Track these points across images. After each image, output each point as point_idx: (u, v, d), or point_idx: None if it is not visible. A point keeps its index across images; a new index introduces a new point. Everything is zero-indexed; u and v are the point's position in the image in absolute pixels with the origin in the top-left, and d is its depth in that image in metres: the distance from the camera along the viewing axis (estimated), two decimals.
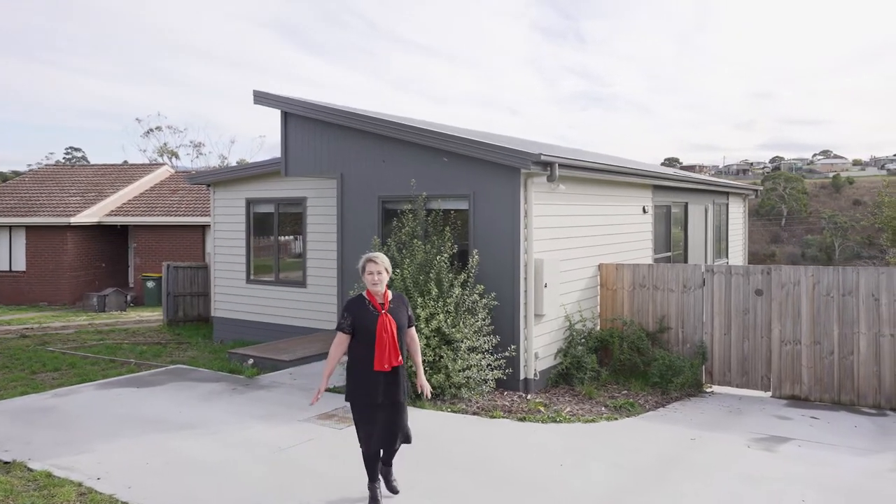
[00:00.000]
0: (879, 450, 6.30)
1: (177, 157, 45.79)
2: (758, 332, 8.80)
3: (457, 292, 7.81)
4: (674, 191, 12.80)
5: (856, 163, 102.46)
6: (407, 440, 4.87)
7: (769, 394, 8.71)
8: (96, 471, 5.62)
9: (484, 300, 7.97)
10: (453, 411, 7.46)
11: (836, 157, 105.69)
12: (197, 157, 47.06)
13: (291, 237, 12.40)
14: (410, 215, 8.54)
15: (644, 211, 11.54)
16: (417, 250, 7.98)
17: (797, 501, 4.87)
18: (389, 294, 4.77)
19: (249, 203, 12.70)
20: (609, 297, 9.91)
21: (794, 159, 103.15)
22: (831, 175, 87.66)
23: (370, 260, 4.73)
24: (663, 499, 5.00)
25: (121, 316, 17.88)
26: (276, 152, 13.18)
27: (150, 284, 19.73)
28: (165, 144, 45.71)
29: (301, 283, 12.06)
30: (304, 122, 10.20)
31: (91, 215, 21.50)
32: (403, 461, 5.87)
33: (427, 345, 7.54)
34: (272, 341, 11.24)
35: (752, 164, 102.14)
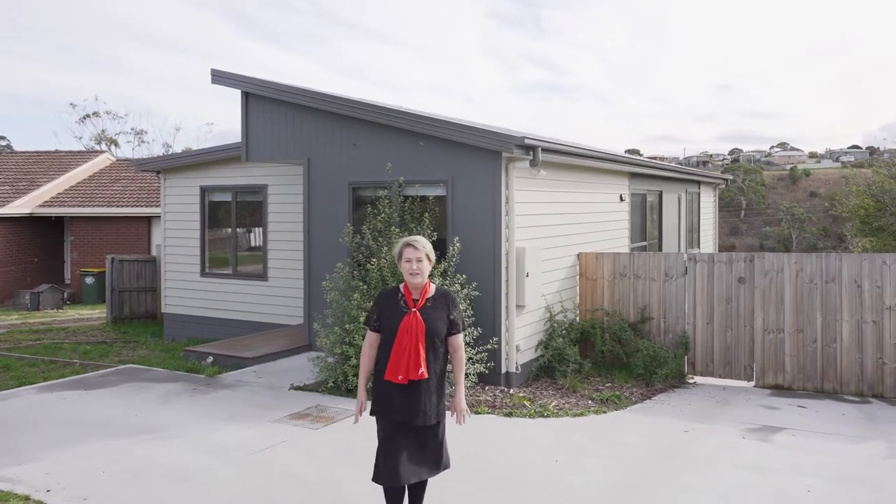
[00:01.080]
0: (870, 437, 6.45)
1: (116, 144, 44.19)
2: (741, 321, 8.93)
3: (436, 282, 7.65)
4: (649, 179, 12.93)
5: (812, 155, 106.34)
6: (438, 467, 3.99)
7: (752, 383, 8.85)
8: (45, 482, 5.25)
9: (465, 290, 7.85)
10: None
11: (793, 149, 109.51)
12: (139, 144, 45.55)
13: (250, 228, 12.05)
14: (386, 201, 8.35)
15: (621, 199, 11.60)
16: (395, 238, 7.80)
17: (803, 491, 4.92)
18: (431, 289, 3.98)
19: (204, 191, 12.29)
20: (589, 287, 9.92)
21: (752, 151, 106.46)
22: (788, 167, 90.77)
23: (408, 244, 3.94)
24: (670, 492, 4.98)
25: (57, 314, 17.10)
26: (226, 140, 12.76)
27: (89, 280, 18.96)
28: (104, 131, 44.04)
29: (262, 276, 11.74)
30: (267, 103, 9.87)
31: (22, 206, 20.51)
32: None
33: None
34: (232, 338, 10.89)
35: (711, 155, 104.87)
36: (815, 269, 8.56)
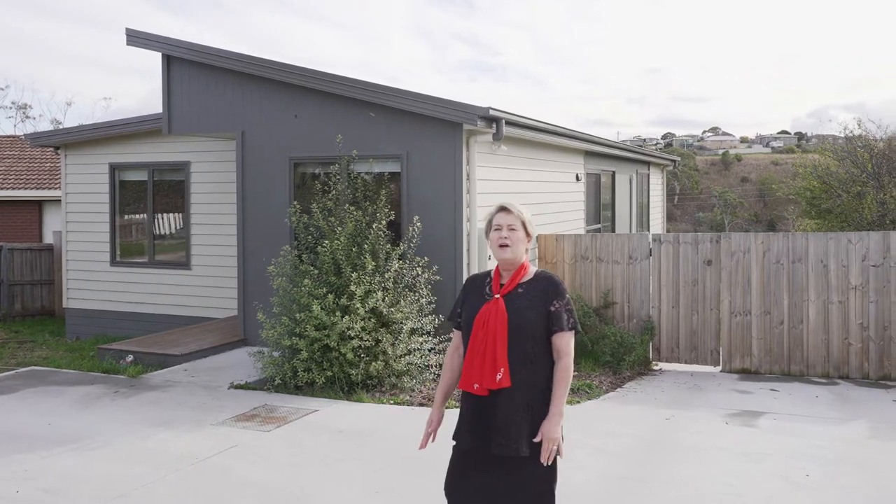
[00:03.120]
0: (849, 418, 6.74)
1: None
2: (707, 304, 9.18)
3: (395, 266, 7.47)
4: (603, 158, 13.12)
5: (743, 140, 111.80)
6: None
7: (718, 369, 9.12)
8: None
9: (426, 275, 7.70)
10: (396, 403, 7.15)
11: (724, 134, 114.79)
12: (22, 121, 42.78)
13: (171, 210, 11.51)
14: (338, 178, 8.08)
15: (577, 179, 11.72)
16: (349, 218, 7.55)
17: (801, 476, 5.05)
18: (529, 271, 3.15)
19: (115, 169, 11.64)
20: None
21: (685, 136, 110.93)
22: (720, 152, 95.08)
23: (501, 208, 3.19)
24: (673, 484, 5.01)
25: None
26: (125, 116, 12.09)
27: None
28: None
29: (184, 265, 11.24)
30: (193, 68, 9.38)
31: None
32: (363, 463, 5.53)
33: (363, 328, 7.16)
34: (152, 334, 10.36)
35: (645, 140, 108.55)
36: (781, 248, 8.87)
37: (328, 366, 7.27)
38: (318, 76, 8.46)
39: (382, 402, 7.17)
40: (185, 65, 9.42)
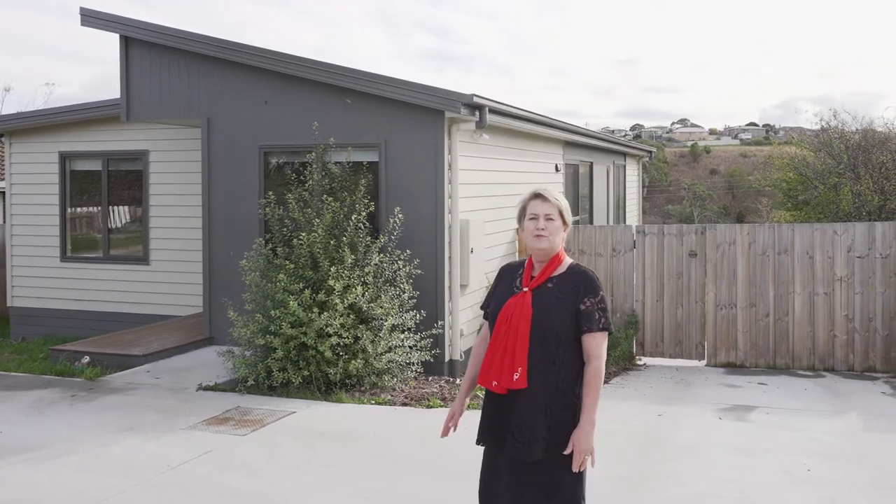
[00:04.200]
0: (841, 411, 6.92)
1: None
2: (692, 297, 9.32)
3: (375, 259, 7.41)
4: (582, 149, 13.22)
5: (712, 132, 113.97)
6: None
7: (703, 363, 9.28)
8: None
9: (407, 268, 7.65)
10: (378, 403, 7.10)
11: (693, 125, 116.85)
12: None
13: (127, 202, 11.26)
14: (315, 167, 7.98)
15: (556, 169, 11.79)
16: (326, 209, 7.46)
17: (802, 471, 5.15)
18: (563, 264, 3.06)
19: (65, 158, 11.34)
20: None
21: (653, 127, 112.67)
22: (689, 144, 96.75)
23: (536, 195, 3.09)
24: (671, 481, 5.07)
25: None
26: (69, 102, 11.79)
27: None
28: None
29: (142, 260, 11.02)
30: (154, 51, 9.16)
31: None
32: (348, 467, 5.47)
33: (342, 325, 7.08)
34: (109, 334, 10.12)
35: (613, 131, 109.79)
36: (767, 240, 9.05)
37: (305, 365, 7.18)
38: (290, 60, 8.34)
39: (363, 403, 7.11)
40: (145, 47, 9.20)
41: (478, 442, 3.13)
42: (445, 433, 3.27)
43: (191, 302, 10.54)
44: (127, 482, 5.20)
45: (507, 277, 3.16)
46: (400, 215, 7.71)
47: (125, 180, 11.21)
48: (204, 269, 9.28)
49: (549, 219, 3.03)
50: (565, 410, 2.94)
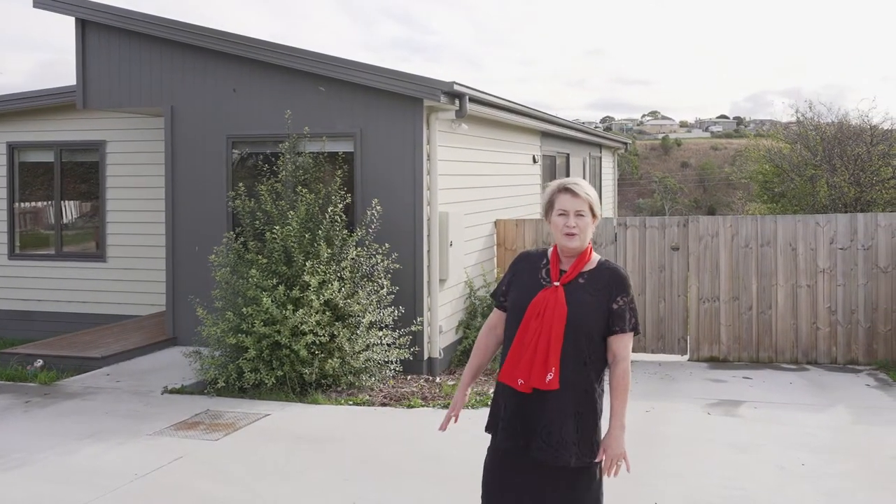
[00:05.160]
0: (828, 404, 7.05)
1: None
2: (674, 291, 9.41)
3: (352, 253, 7.35)
4: (559, 140, 13.30)
5: (683, 125, 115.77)
6: None
7: (685, 357, 9.38)
8: None
9: (386, 263, 7.60)
10: (356, 403, 7.06)
11: (664, 118, 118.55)
12: None
13: (82, 195, 11.03)
14: (288, 157, 7.88)
15: (534, 160, 11.83)
16: (301, 201, 7.37)
17: (797, 465, 5.25)
18: (592, 260, 3.01)
19: (13, 149, 11.11)
20: (508, 259, 10.00)
21: (624, 120, 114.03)
22: (660, 137, 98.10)
23: (565, 188, 3.00)
24: (667, 478, 5.13)
25: None
26: (13, 91, 11.49)
27: None
28: None
29: (98, 257, 10.83)
30: (112, 35, 8.98)
31: None
32: (330, 471, 5.42)
33: (318, 322, 7.01)
34: (63, 335, 9.88)
35: (584, 123, 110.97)
36: (750, 232, 9.19)
37: (278, 365, 7.09)
38: (260, 45, 8.23)
39: (340, 403, 7.06)
40: (103, 31, 9.00)
41: (487, 429, 3.06)
42: (445, 426, 3.25)
43: (151, 300, 10.37)
44: (93, 492, 5.08)
45: (529, 269, 3.06)
46: (378, 207, 7.66)
47: (80, 172, 10.98)
48: (167, 265, 9.11)
49: (579, 215, 2.95)
50: (593, 413, 2.90)
